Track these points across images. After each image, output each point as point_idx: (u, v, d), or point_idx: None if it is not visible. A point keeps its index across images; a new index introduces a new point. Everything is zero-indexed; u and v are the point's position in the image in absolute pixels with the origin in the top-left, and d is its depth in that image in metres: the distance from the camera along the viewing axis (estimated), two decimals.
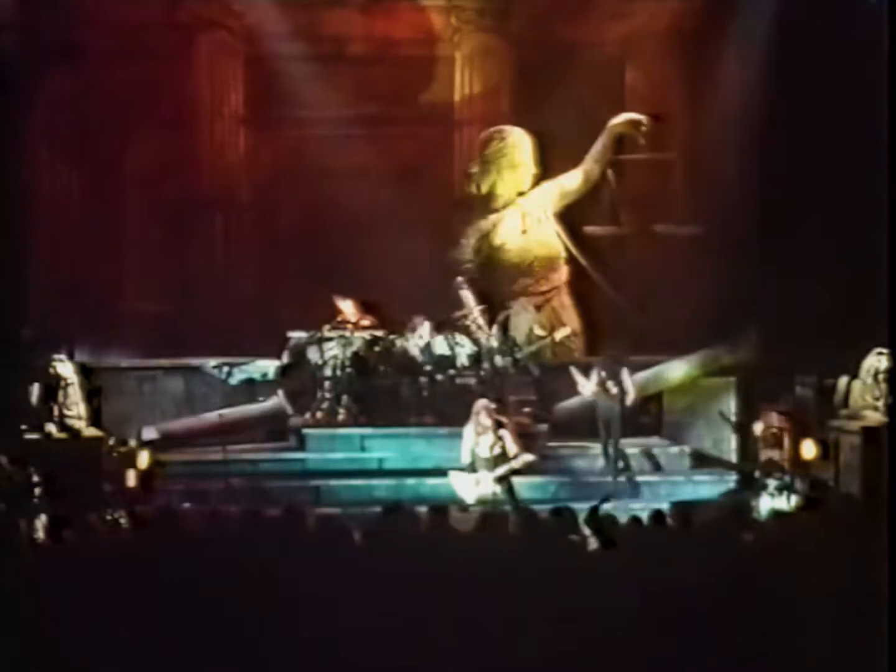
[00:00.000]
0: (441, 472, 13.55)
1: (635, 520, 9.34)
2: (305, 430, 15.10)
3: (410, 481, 14.08)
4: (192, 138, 17.98)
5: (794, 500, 13.00)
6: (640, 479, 14.57)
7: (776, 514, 12.35)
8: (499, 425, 13.24)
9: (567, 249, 17.77)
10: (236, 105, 18.05)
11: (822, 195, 15.68)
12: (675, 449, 15.47)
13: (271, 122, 18.12)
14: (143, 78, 17.56)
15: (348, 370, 15.22)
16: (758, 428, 14.61)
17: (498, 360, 15.22)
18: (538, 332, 16.06)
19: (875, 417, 13.76)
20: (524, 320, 16.57)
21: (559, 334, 15.97)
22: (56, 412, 13.77)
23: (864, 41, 13.54)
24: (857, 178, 14.39)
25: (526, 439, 13.97)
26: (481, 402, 13.59)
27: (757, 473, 13.99)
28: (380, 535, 8.27)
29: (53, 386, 13.86)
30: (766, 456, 14.10)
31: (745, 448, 15.31)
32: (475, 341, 15.58)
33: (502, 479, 13.01)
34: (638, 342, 15.97)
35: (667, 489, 14.34)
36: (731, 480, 14.54)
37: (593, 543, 8.86)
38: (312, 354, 15.68)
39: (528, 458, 13.16)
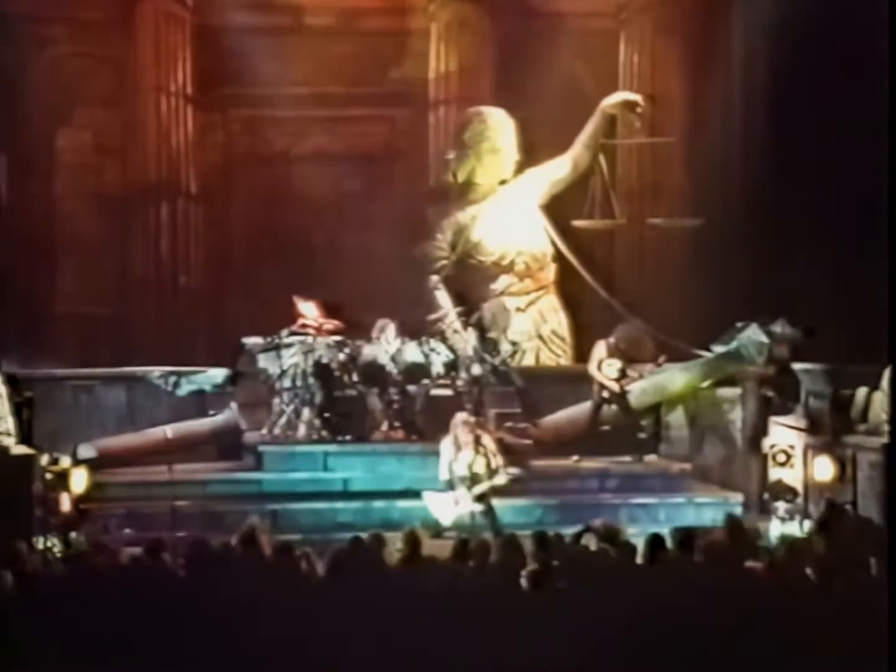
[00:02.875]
0: (413, 494, 13.58)
1: (629, 546, 9.38)
2: (261, 448, 15.02)
3: (379, 504, 14.00)
4: (133, 119, 18.04)
5: (806, 525, 13.06)
6: (637, 500, 14.67)
7: (787, 541, 12.48)
8: (479, 441, 13.27)
9: (555, 245, 17.84)
10: (183, 82, 18.08)
11: (837, 180, 15.78)
12: (675, 467, 15.49)
13: (222, 101, 18.23)
14: (77, 51, 17.58)
15: (310, 380, 15.20)
16: (766, 445, 14.61)
17: (476, 368, 15.27)
18: (512, 336, 16.07)
19: None
20: (501, 322, 16.59)
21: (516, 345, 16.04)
22: None
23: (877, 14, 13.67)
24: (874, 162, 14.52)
25: (509, 457, 13.99)
26: (460, 416, 13.63)
27: (766, 495, 14.05)
28: (344, 567, 8.32)
29: None
30: (776, 476, 14.10)
31: (754, 467, 15.31)
32: (451, 348, 15.51)
33: (482, 498, 13.07)
34: (640, 350, 15.99)
35: (665, 512, 14.39)
36: (737, 503, 14.59)
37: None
38: (270, 363, 15.62)
39: (512, 472, 13.20)
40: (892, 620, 7.31)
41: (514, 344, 16.11)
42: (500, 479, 13.11)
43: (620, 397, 15.33)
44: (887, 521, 7.40)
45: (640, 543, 9.46)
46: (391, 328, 15.35)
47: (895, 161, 8.75)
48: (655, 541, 9.37)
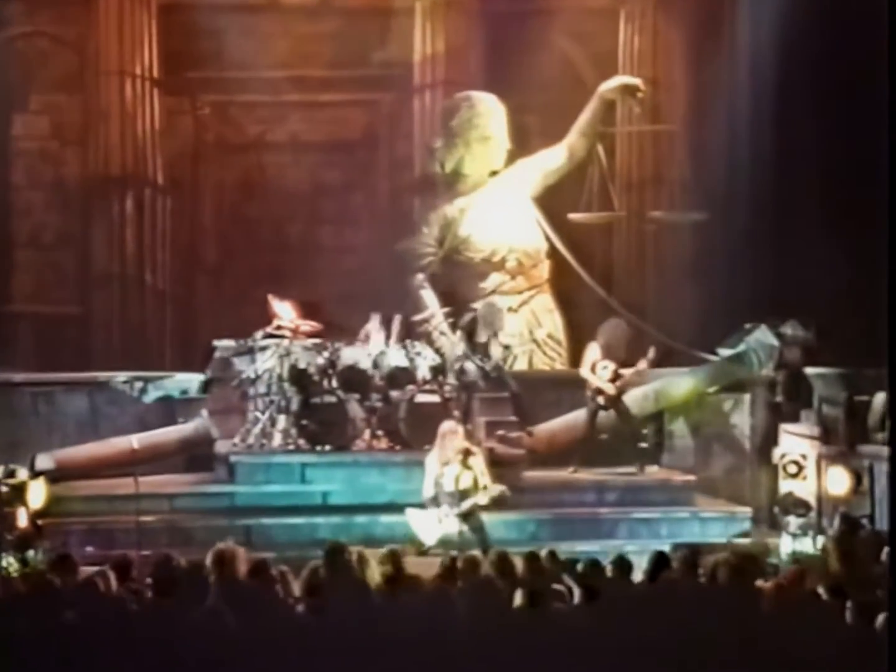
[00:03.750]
0: (397, 507, 13.58)
1: (626, 563, 9.39)
2: (234, 458, 14.99)
3: (361, 519, 14.02)
4: (95, 104, 17.98)
5: (820, 541, 13.07)
6: (638, 514, 14.68)
7: (798, 559, 12.50)
8: (467, 452, 13.28)
9: (549, 240, 17.81)
10: (149, 64, 18.02)
11: (850, 172, 15.82)
12: (678, 479, 15.49)
13: (191, 85, 18.18)
14: (33, 31, 17.55)
15: (286, 386, 15.16)
16: (776, 455, 14.65)
17: (464, 372, 15.17)
18: (504, 339, 16.05)
19: None
20: (493, 323, 16.59)
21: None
22: None
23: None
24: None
25: (500, 468, 14.01)
26: (447, 425, 13.61)
27: (776, 509, 14.07)
28: (322, 588, 8.33)
29: None
30: (787, 488, 14.13)
31: (763, 479, 15.34)
32: (438, 351, 15.54)
33: (469, 516, 13.07)
34: (634, 352, 16.01)
35: (669, 528, 14.42)
36: (745, 518, 14.64)
37: (577, 594, 8.94)
38: (243, 367, 15.59)
39: (498, 490, 13.21)
40: (892, 620, 7.43)
41: (506, 347, 16.08)
42: (484, 498, 13.09)
43: (617, 402, 15.35)
44: (889, 525, 7.20)
45: (640, 561, 9.49)
46: (380, 331, 15.30)
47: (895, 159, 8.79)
48: (659, 559, 9.38)
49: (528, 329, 17.81)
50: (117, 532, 13.34)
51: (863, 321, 14.76)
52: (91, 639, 7.69)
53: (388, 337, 15.38)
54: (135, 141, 17.97)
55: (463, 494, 13.09)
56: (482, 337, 15.85)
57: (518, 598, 8.30)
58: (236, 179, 18.15)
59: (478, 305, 16.86)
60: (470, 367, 15.23)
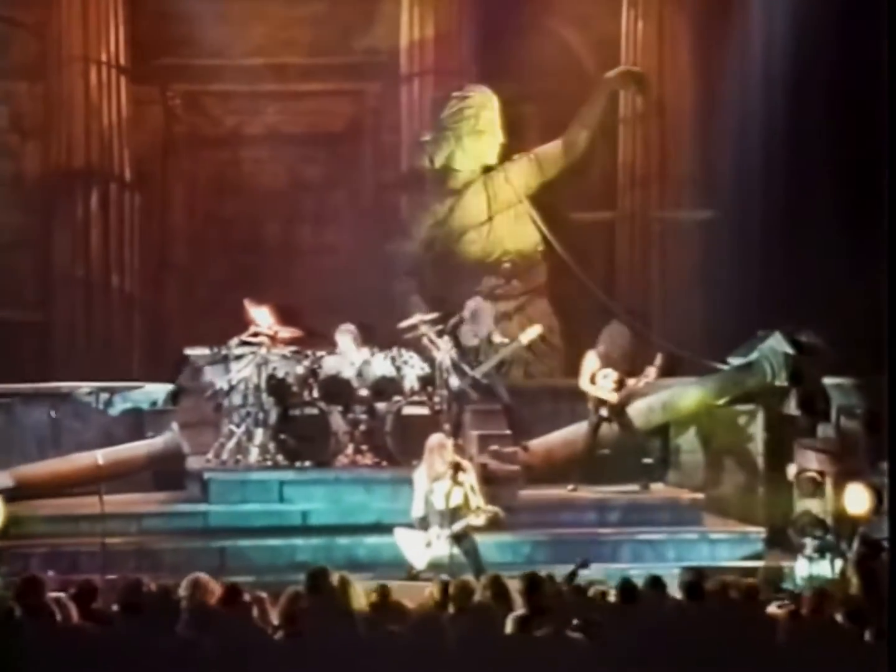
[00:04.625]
0: (383, 529, 13.55)
1: (630, 588, 9.39)
2: (207, 475, 14.99)
3: (343, 540, 14.02)
4: (57, 93, 17.97)
5: (838, 564, 13.07)
6: (642, 535, 14.63)
7: (815, 583, 12.47)
8: (458, 467, 13.27)
9: (546, 241, 17.85)
10: (115, 51, 18.01)
11: (867, 169, 15.83)
12: (685, 497, 15.45)
13: (161, 73, 18.16)
14: None
15: (263, 397, 15.14)
16: (791, 471, 14.66)
17: (454, 381, 15.17)
18: (497, 338, 16.02)
19: None
20: (482, 324, 16.57)
21: (527, 336, 15.89)
22: None
23: None
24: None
25: (494, 486, 13.98)
26: (435, 438, 13.58)
27: (791, 530, 14.03)
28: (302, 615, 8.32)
29: None
30: (803, 507, 14.15)
31: (778, 497, 15.29)
32: (427, 359, 15.44)
33: (460, 538, 13.01)
34: (638, 360, 16.00)
35: (675, 550, 14.40)
36: (758, 539, 14.62)
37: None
38: (217, 377, 15.64)
39: (491, 510, 13.20)
40: (892, 620, 7.50)
41: (502, 345, 15.94)
42: (478, 519, 13.06)
43: (621, 414, 15.34)
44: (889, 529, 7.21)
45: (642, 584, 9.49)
46: (349, 333, 15.26)
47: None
48: (655, 583, 9.38)
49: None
50: (81, 555, 13.29)
51: (882, 328, 14.79)
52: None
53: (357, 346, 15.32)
54: (100, 133, 17.96)
55: (454, 513, 13.06)
56: (470, 340, 15.83)
57: (511, 624, 8.33)
58: (210, 175, 18.16)
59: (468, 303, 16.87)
60: (458, 377, 15.15)
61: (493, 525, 13.37)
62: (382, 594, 9.05)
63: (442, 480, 13.13)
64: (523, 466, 15.32)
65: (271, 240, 17.85)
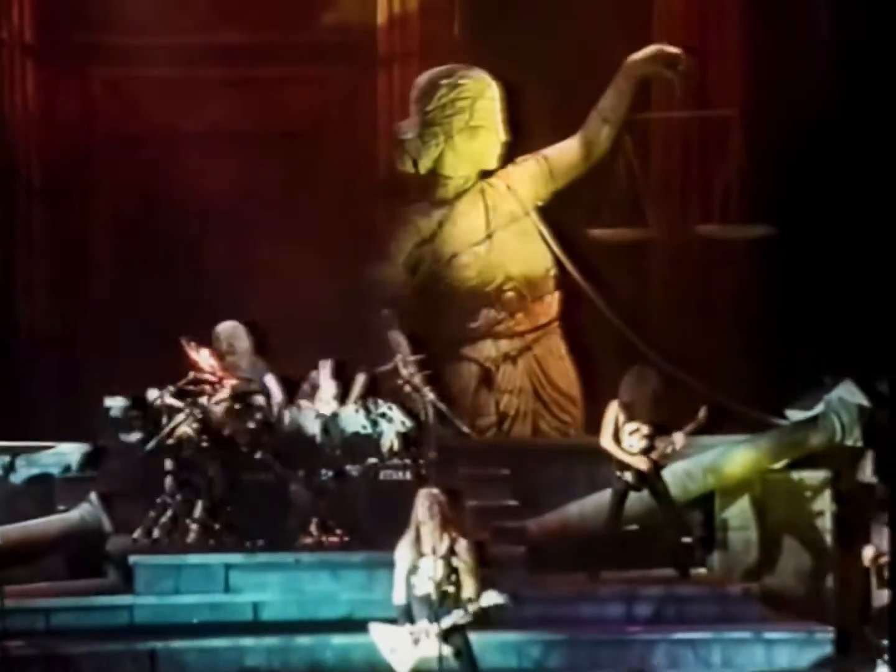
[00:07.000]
0: (355, 625, 13.49)
1: None
2: (134, 559, 14.93)
3: (305, 640, 14.17)
4: None
5: None
6: (680, 634, 14.57)
7: None
8: (448, 529, 12.94)
9: (559, 264, 17.96)
10: (19, 25, 18.14)
11: None
12: (735, 587, 15.51)
13: (77, 53, 18.24)
14: None
15: (205, 459, 15.21)
16: (868, 554, 14.74)
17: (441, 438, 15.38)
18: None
19: None
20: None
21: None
22: None
23: None
24: None
25: (495, 570, 13.77)
26: (425, 493, 13.37)
27: (867, 628, 14.00)
28: None
29: None
30: (883, 600, 14.15)
31: (851, 587, 15.37)
32: (410, 412, 15.58)
33: (452, 634, 12.79)
34: (673, 413, 15.82)
35: (723, 652, 14.46)
36: (826, 639, 14.52)
37: None
38: (146, 434, 15.59)
39: (492, 600, 13.02)
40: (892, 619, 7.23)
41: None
42: (468, 614, 12.75)
43: (653, 480, 15.26)
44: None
45: None
46: (332, 384, 15.36)
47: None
48: None
49: (532, 382, 17.95)
50: None
51: None
52: None
53: (344, 394, 15.44)
54: (1, 129, 17.96)
55: (443, 598, 12.86)
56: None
57: None
58: (139, 180, 18.12)
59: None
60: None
61: (494, 619, 13.17)
62: None
63: (429, 557, 12.97)
64: (531, 546, 15.32)
65: (215, 261, 17.75)
